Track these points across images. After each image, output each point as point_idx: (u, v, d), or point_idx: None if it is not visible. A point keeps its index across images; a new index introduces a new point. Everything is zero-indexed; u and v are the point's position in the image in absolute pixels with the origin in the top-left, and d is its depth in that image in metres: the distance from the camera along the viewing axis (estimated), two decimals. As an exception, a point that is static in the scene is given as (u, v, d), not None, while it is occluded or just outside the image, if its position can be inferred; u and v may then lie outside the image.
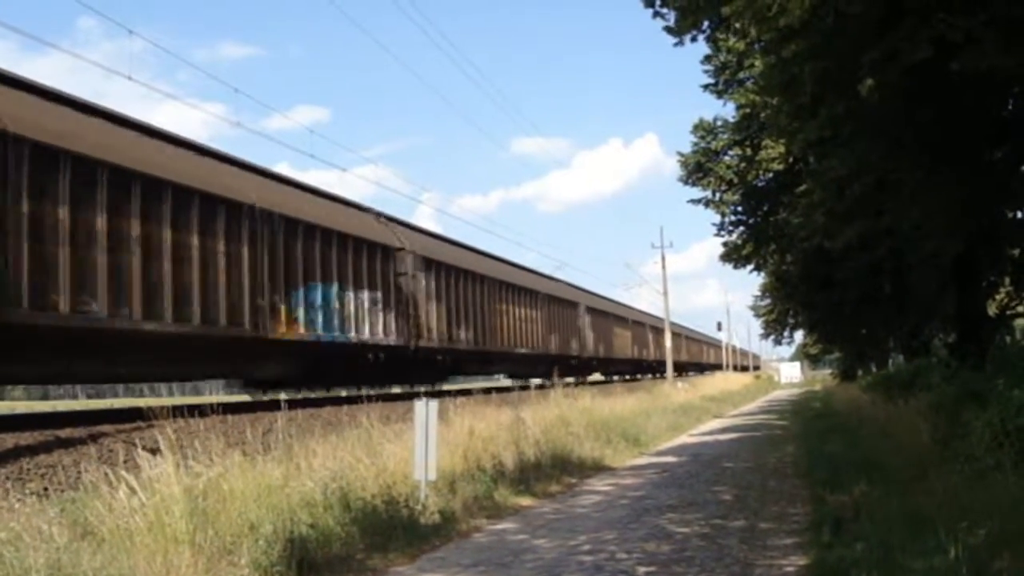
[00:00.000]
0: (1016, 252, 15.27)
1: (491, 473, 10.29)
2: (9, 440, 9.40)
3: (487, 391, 20.06)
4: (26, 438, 9.66)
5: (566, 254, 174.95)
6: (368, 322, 19.24)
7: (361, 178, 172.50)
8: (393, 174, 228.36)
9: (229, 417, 10.78)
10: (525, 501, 10.11)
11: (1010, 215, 14.15)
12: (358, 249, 19.05)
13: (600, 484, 11.72)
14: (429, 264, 22.79)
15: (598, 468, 13.44)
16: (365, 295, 19.18)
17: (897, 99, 10.37)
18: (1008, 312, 17.05)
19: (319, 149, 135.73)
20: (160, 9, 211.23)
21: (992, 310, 16.68)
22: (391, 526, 7.59)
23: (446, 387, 23.98)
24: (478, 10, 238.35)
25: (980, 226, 12.29)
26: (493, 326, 27.48)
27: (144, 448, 6.95)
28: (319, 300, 17.39)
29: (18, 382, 18.75)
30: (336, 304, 18.01)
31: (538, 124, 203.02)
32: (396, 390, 21.47)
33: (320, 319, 17.40)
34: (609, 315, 45.98)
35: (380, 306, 19.84)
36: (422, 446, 8.59)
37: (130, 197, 12.46)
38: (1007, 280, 16.47)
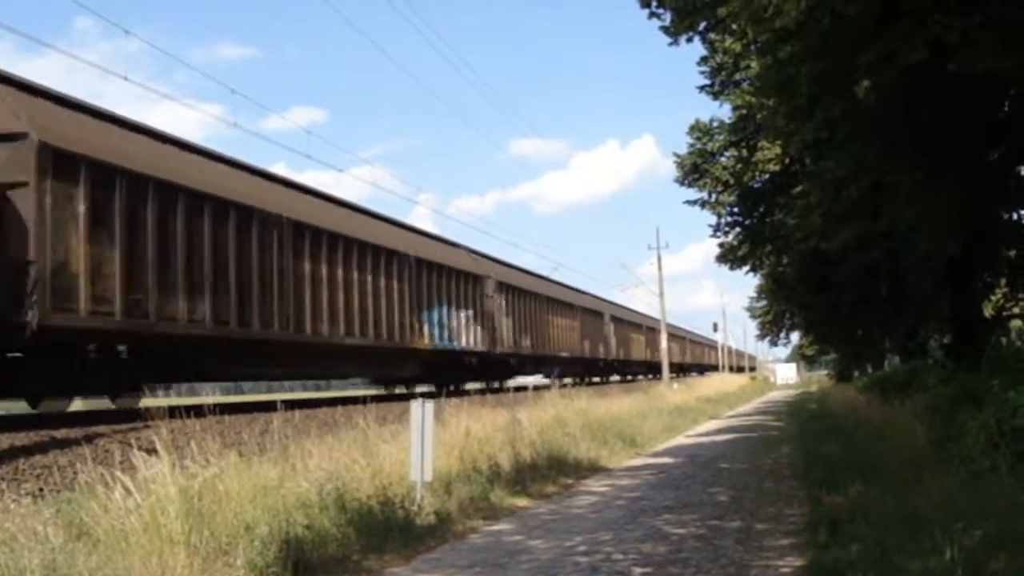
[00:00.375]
0: (1012, 253, 15.27)
1: (487, 474, 10.27)
2: (5, 440, 9.39)
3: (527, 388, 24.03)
4: (22, 438, 9.65)
5: (563, 255, 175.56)
6: (469, 334, 26.23)
7: (358, 179, 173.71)
8: (389, 175, 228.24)
9: (226, 418, 10.78)
10: (521, 502, 10.09)
11: (1006, 216, 14.15)
12: (463, 279, 26.37)
13: (596, 485, 11.71)
14: (503, 287, 29.86)
15: (594, 469, 13.42)
16: (468, 313, 26.30)
17: (894, 100, 10.38)
18: (1004, 313, 17.07)
19: (316, 150, 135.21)
20: (157, 9, 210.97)
21: (988, 311, 16.70)
22: (387, 527, 7.58)
23: (511, 383, 31.50)
24: (474, 11, 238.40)
25: (976, 227, 12.29)
26: (545, 335, 34.56)
27: (140, 449, 6.93)
28: (442, 318, 24.13)
29: (307, 378, 32.24)
30: (451, 321, 24.85)
31: (535, 125, 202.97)
32: (477, 385, 28.13)
33: (442, 333, 24.21)
34: (626, 322, 51.90)
35: (473, 321, 26.67)
36: (418, 447, 8.58)
37: (350, 255, 19.56)
38: (1003, 281, 16.47)
